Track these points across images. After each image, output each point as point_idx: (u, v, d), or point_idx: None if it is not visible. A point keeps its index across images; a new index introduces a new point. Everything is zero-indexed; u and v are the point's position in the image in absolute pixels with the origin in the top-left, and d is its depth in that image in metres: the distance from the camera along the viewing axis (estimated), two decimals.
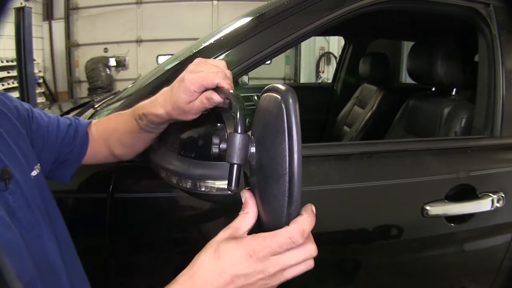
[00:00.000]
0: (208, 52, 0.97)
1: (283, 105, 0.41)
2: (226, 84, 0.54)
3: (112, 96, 1.41)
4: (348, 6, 0.99)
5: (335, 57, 6.01)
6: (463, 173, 1.02)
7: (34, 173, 0.61)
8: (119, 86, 6.34)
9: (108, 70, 6.60)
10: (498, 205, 1.03)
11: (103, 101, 1.36)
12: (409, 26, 1.89)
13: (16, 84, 5.22)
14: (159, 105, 0.63)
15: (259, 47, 0.94)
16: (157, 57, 6.44)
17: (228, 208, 0.80)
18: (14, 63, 5.24)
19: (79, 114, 1.30)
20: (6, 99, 0.63)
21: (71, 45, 6.71)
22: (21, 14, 4.45)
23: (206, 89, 0.56)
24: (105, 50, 6.69)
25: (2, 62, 5.64)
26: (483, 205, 1.03)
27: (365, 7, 1.01)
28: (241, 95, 0.51)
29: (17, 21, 4.47)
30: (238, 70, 0.93)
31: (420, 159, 1.05)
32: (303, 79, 6.52)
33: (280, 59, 6.47)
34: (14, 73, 5.50)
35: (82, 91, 6.80)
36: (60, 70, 6.89)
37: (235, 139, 0.45)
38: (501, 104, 1.11)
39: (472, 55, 1.45)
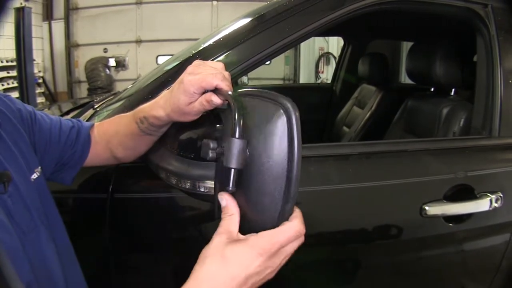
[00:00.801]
0: (208, 53, 0.97)
1: (285, 116, 0.44)
2: (225, 85, 0.55)
3: (112, 97, 1.42)
4: (347, 7, 0.99)
5: (335, 58, 6.01)
6: (461, 173, 1.03)
7: (34, 176, 0.61)
8: (119, 87, 6.34)
9: (107, 70, 6.60)
10: (496, 205, 1.03)
11: (103, 102, 1.36)
12: (408, 27, 1.89)
13: (15, 84, 5.23)
14: (159, 107, 0.63)
15: (259, 48, 0.95)
16: (157, 57, 6.45)
17: None
18: (14, 63, 5.25)
19: (79, 115, 1.30)
20: (9, 101, 0.63)
21: (70, 45, 6.71)
22: (21, 14, 4.46)
23: (205, 91, 0.56)
24: (105, 50, 6.69)
25: (2, 62, 5.64)
26: (482, 205, 1.03)
27: (364, 8, 1.01)
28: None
29: (17, 21, 4.47)
30: (238, 70, 0.93)
31: (418, 159, 1.05)
32: (302, 80, 6.52)
33: (279, 60, 6.47)
34: (14, 73, 5.50)
35: (82, 91, 6.80)
36: (60, 70, 6.89)
37: (233, 144, 0.46)
38: (499, 104, 1.11)
39: (470, 55, 1.45)
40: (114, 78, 6.75)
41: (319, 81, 6.01)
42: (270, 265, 0.45)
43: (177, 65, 0.99)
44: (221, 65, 0.60)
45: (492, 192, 1.04)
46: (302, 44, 6.16)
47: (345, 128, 2.37)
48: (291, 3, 0.99)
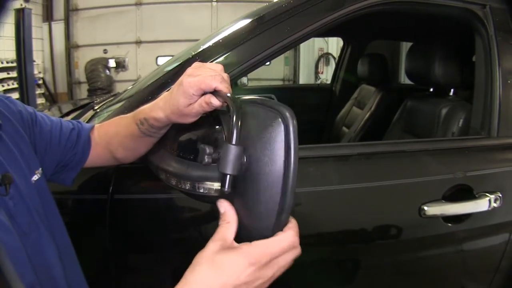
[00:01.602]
0: (207, 54, 0.97)
1: (282, 124, 0.44)
2: (224, 87, 0.55)
3: (112, 98, 1.42)
4: (346, 8, 1.00)
5: (334, 58, 6.01)
6: (460, 173, 1.03)
7: (35, 177, 0.61)
8: (119, 87, 6.35)
9: (107, 71, 6.61)
10: (495, 205, 1.03)
11: (103, 103, 1.36)
12: (407, 27, 1.90)
13: (16, 85, 5.23)
14: (159, 108, 0.64)
15: (258, 49, 0.95)
16: (157, 58, 6.42)
17: None
18: (14, 64, 5.25)
19: (79, 116, 1.31)
20: (10, 103, 0.64)
21: (70, 46, 6.72)
22: (21, 15, 4.46)
23: (205, 93, 0.57)
24: (105, 51, 6.70)
25: (2, 63, 5.65)
26: (481, 205, 1.03)
27: (364, 8, 1.01)
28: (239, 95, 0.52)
29: (17, 22, 4.47)
30: (237, 71, 0.94)
31: (417, 159, 1.06)
32: (302, 80, 6.52)
33: (279, 60, 6.47)
34: (14, 74, 5.51)
35: (82, 92, 6.81)
36: (60, 71, 6.90)
37: (229, 150, 0.46)
38: (498, 104, 1.12)
39: (469, 56, 1.45)
40: (114, 79, 6.75)
41: (318, 82, 6.01)
42: (260, 276, 0.44)
43: (176, 66, 1.00)
44: (220, 67, 0.60)
45: (491, 192, 1.04)
46: (302, 45, 6.16)
47: (344, 128, 2.37)
48: (291, 4, 0.99)
